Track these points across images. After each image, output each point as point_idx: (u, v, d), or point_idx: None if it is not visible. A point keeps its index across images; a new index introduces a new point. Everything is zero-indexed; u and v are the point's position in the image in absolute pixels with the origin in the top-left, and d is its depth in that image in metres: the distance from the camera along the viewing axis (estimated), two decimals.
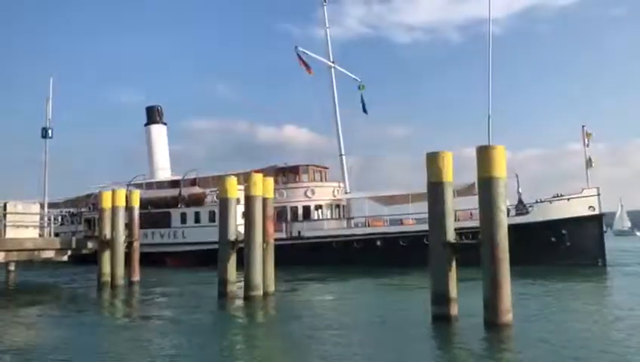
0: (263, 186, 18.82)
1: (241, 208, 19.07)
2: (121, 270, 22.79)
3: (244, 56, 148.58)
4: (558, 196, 32.24)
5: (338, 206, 39.93)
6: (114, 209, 23.15)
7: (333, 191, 39.73)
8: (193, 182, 41.02)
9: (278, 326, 14.50)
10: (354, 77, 43.55)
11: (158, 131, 46.86)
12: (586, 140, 32.06)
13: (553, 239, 30.78)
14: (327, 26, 44.13)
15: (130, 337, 12.84)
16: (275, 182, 37.78)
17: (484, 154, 12.53)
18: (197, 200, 39.03)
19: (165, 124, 47.62)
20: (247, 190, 18.39)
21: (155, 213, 38.92)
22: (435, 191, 13.39)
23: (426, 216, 14.25)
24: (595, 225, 31.25)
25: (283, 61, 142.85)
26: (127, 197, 24.24)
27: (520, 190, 33.50)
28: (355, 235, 34.85)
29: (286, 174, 39.77)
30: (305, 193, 38.58)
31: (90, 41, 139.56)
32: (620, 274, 27.67)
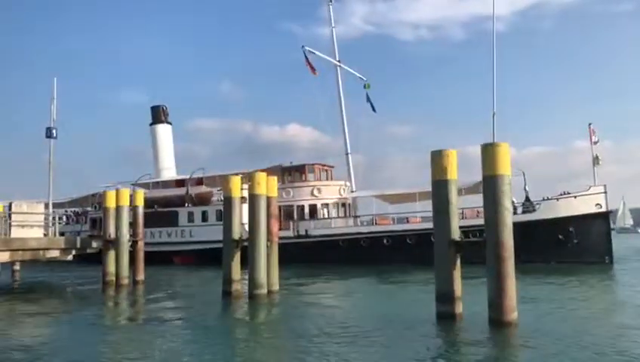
0: (267, 185, 18.77)
1: (247, 207, 19.03)
2: (125, 269, 22.80)
3: (247, 55, 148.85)
4: (565, 194, 32.24)
5: (344, 204, 39.91)
6: (118, 208, 23.19)
7: (340, 190, 39.74)
8: (199, 182, 41.09)
9: (281, 324, 14.43)
10: (359, 76, 43.50)
11: (164, 131, 46.91)
12: (594, 138, 32.04)
13: (560, 236, 30.82)
14: (332, 25, 44.20)
15: (133, 337, 12.81)
16: (282, 181, 38.46)
17: (488, 152, 12.40)
18: (204, 200, 39.15)
19: (170, 123, 47.68)
20: (250, 189, 18.36)
21: (162, 212, 39.12)
22: (440, 188, 13.31)
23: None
24: (602, 222, 31.26)
25: (286, 60, 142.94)
26: (131, 197, 24.26)
27: (527, 188, 33.52)
28: (362, 233, 34.89)
29: (292, 173, 39.85)
30: (311, 192, 38.60)
31: (93, 41, 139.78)
32: (627, 271, 27.53)
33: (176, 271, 31.43)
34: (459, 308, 12.73)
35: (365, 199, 40.18)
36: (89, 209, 43.93)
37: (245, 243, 18.24)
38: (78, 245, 23.74)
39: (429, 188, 13.96)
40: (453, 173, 13.28)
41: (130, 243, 23.50)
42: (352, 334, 12.06)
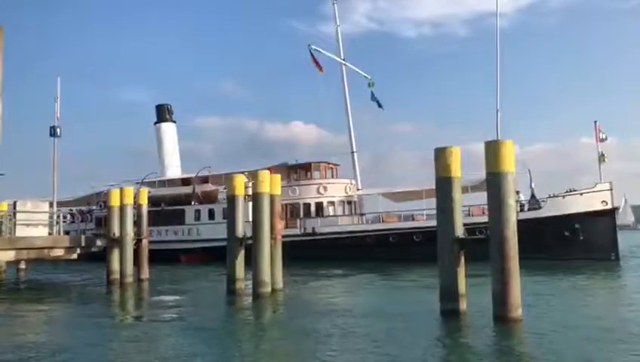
0: (271, 183, 18.74)
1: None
2: (129, 268, 22.81)
3: (249, 52, 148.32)
4: (571, 191, 32.26)
5: (350, 202, 39.96)
6: (122, 207, 23.18)
7: (345, 188, 39.81)
8: (204, 180, 41.23)
9: (285, 323, 14.39)
10: (364, 74, 43.42)
11: (168, 129, 47.08)
12: (600, 135, 32.05)
13: (566, 233, 30.98)
14: (337, 24, 44.19)
15: (137, 335, 12.79)
16: (287, 179, 38.56)
17: (492, 149, 12.35)
18: (210, 198, 39.29)
19: (175, 122, 47.83)
20: (254, 187, 18.34)
21: (169, 210, 39.34)
22: (444, 186, 13.29)
23: None
24: (608, 219, 31.38)
25: (289, 57, 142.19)
26: (135, 195, 24.30)
27: (533, 185, 33.60)
28: (369, 231, 34.94)
29: (298, 171, 40.01)
30: (317, 190, 38.71)
31: (96, 40, 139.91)
32: (633, 267, 27.45)
33: (181, 269, 31.47)
34: (463, 305, 12.72)
35: (370, 197, 40.26)
36: (94, 207, 44.08)
37: (249, 242, 18.22)
38: (83, 244, 23.74)
39: None
40: (456, 171, 13.25)
41: (134, 242, 23.49)
42: (355, 331, 12.01)
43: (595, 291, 19.74)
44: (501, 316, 11.65)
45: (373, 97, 42.82)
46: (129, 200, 23.48)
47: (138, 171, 44.60)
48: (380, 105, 43.01)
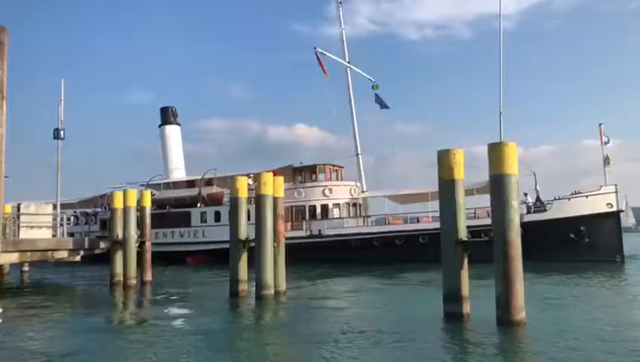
0: (274, 185, 18.68)
1: None
2: (132, 270, 22.80)
3: (252, 55, 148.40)
4: (576, 193, 32.38)
5: (355, 204, 39.97)
6: (125, 209, 23.19)
7: (351, 190, 39.83)
8: (209, 182, 41.23)
9: (288, 325, 14.29)
10: (368, 77, 43.34)
11: (173, 132, 47.14)
12: (604, 138, 32.15)
13: (572, 235, 31.19)
14: (342, 27, 44.12)
15: (139, 338, 12.76)
16: (292, 181, 38.59)
17: (495, 151, 12.27)
18: (216, 200, 39.34)
19: (179, 124, 47.87)
20: (257, 189, 18.30)
21: (175, 212, 39.43)
22: (447, 188, 13.19)
23: None
24: (613, 221, 31.70)
25: (293, 60, 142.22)
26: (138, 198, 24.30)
27: (538, 187, 33.66)
28: (376, 233, 34.87)
29: (303, 173, 40.05)
30: (323, 192, 38.75)
31: (99, 42, 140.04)
32: (638, 269, 27.27)
33: (184, 271, 31.45)
34: (466, 307, 12.61)
35: (374, 199, 40.25)
36: (98, 209, 44.18)
37: (252, 244, 18.17)
38: (86, 246, 23.77)
39: None
40: (460, 173, 13.16)
41: (137, 244, 23.48)
42: (358, 334, 11.93)
43: (601, 293, 19.58)
44: (504, 319, 11.54)
45: (377, 99, 42.69)
46: (132, 202, 23.49)
47: (143, 173, 44.72)
48: (385, 106, 42.79)
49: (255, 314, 15.95)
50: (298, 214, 38.20)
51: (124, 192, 23.92)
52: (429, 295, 17.15)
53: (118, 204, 23.41)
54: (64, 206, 34.83)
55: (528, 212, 32.11)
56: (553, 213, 31.98)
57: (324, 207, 38.52)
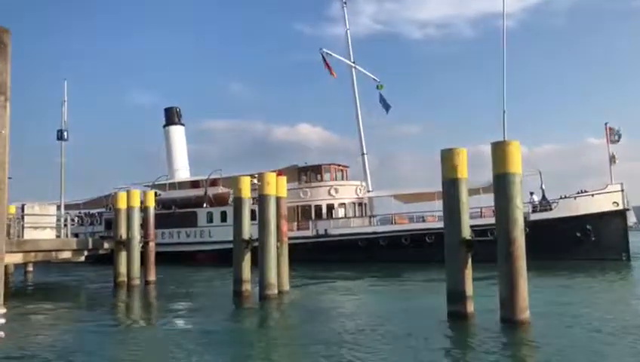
0: (277, 185, 18.63)
1: None
2: (136, 270, 22.80)
3: (255, 55, 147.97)
4: (582, 192, 32.24)
5: (360, 204, 39.90)
6: (129, 209, 23.18)
7: (356, 190, 39.77)
8: (214, 182, 41.22)
9: (290, 325, 14.31)
10: (373, 77, 43.19)
11: (177, 132, 47.21)
12: (611, 136, 31.95)
13: (578, 234, 31.05)
14: (347, 27, 43.98)
15: (143, 338, 12.77)
16: (298, 181, 38.56)
17: (498, 150, 12.20)
18: (222, 200, 39.37)
19: (184, 124, 47.95)
20: (260, 189, 18.26)
21: (181, 212, 39.47)
22: (450, 187, 13.13)
23: None
24: (619, 220, 31.46)
25: (295, 60, 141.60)
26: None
27: (543, 186, 33.48)
28: (382, 232, 34.83)
29: (308, 173, 40.01)
30: (328, 191, 38.69)
31: (101, 41, 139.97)
32: None
33: (188, 270, 31.40)
34: (470, 307, 12.55)
35: (379, 198, 40.14)
36: (103, 210, 44.27)
37: (255, 244, 18.12)
38: (90, 246, 23.76)
39: None
40: (463, 172, 13.09)
41: (141, 244, 23.47)
42: (361, 333, 11.88)
43: (606, 292, 19.45)
44: (508, 318, 11.49)
45: (381, 99, 42.55)
46: (136, 202, 23.47)
47: (148, 174, 44.69)
48: (387, 108, 42.62)
49: (258, 314, 15.91)
50: (304, 214, 38.18)
51: (128, 193, 23.93)
52: (434, 294, 17.09)
53: (122, 204, 23.40)
54: (70, 207, 35.00)
55: (534, 211, 31.99)
56: (559, 211, 31.83)
57: (330, 207, 38.55)
